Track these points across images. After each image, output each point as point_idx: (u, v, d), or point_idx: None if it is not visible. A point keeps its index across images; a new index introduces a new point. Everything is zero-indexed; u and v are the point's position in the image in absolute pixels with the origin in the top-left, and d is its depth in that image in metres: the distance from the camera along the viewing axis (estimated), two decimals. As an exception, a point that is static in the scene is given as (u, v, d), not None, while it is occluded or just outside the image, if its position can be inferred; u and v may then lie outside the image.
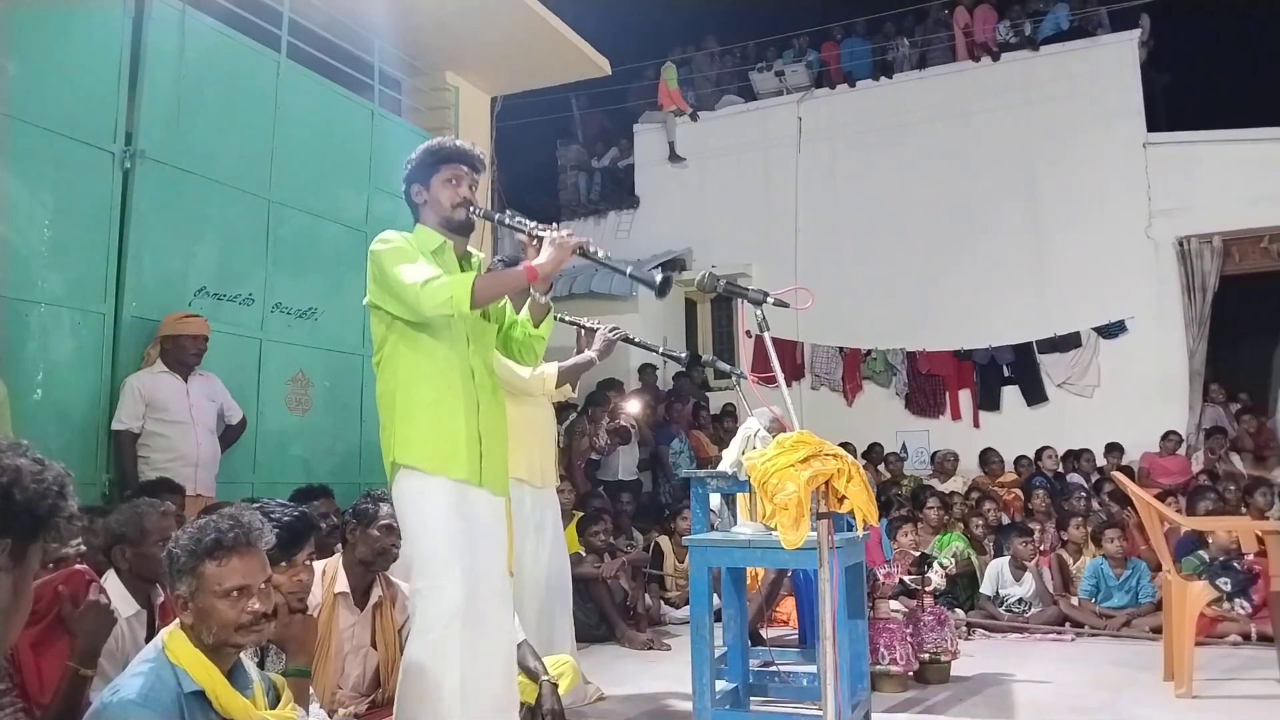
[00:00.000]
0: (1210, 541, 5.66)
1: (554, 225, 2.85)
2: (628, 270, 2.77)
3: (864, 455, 9.51)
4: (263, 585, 2.07)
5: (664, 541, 7.13)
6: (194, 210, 5.31)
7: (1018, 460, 9.37)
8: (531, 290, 2.99)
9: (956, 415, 10.73)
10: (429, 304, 2.70)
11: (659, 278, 2.71)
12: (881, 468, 9.57)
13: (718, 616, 3.89)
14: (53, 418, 4.52)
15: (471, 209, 2.92)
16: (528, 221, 2.87)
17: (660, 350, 4.52)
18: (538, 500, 4.20)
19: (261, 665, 2.57)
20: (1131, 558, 6.30)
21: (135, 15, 5.05)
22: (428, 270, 2.75)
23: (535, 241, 2.83)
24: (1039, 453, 9.40)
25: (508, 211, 2.94)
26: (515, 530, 3.85)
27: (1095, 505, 7.69)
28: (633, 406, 6.88)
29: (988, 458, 9.37)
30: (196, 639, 2.00)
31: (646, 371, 10.16)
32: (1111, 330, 10.10)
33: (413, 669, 2.69)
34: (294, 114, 6.01)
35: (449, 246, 2.93)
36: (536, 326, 3.07)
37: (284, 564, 2.64)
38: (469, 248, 3.03)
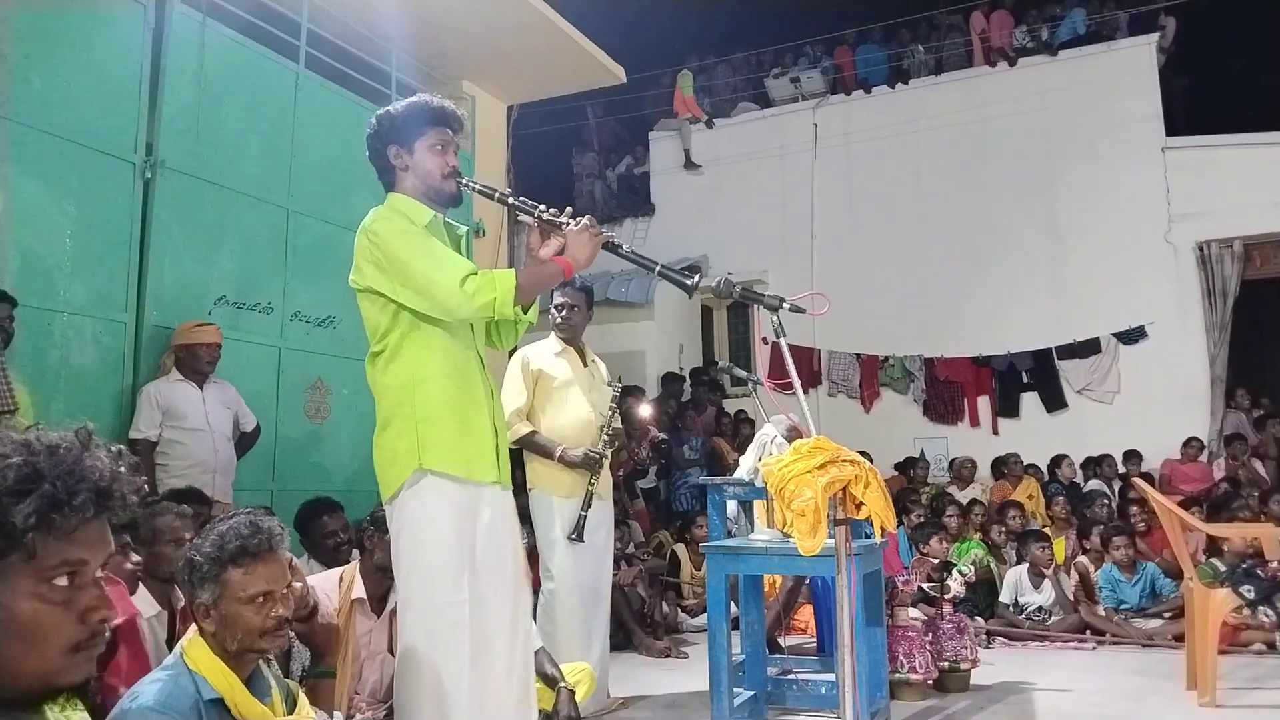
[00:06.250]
0: (1225, 549, 5.59)
1: (566, 211, 2.58)
2: (657, 267, 2.53)
3: (896, 467, 9.47)
4: (284, 590, 2.08)
5: (680, 549, 7.12)
6: (214, 220, 5.36)
7: (1028, 468, 9.18)
8: None
9: (975, 422, 10.66)
10: (469, 307, 2.40)
11: (691, 280, 2.51)
12: (913, 473, 9.42)
13: (735, 624, 3.89)
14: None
15: (461, 181, 2.63)
16: (536, 204, 2.57)
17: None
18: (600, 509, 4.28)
19: (286, 667, 2.57)
20: (1140, 561, 6.30)
21: (156, 27, 5.12)
22: (456, 263, 2.46)
23: (539, 225, 2.57)
24: (1056, 461, 9.28)
25: (509, 191, 2.66)
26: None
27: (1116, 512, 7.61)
28: (644, 411, 6.89)
29: (1005, 460, 9.14)
30: (219, 646, 2.01)
31: (671, 382, 10.11)
32: (1131, 336, 10.02)
33: (421, 690, 2.41)
34: (312, 124, 6.06)
35: (440, 220, 2.63)
36: (524, 312, 2.74)
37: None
38: (448, 220, 2.73)
